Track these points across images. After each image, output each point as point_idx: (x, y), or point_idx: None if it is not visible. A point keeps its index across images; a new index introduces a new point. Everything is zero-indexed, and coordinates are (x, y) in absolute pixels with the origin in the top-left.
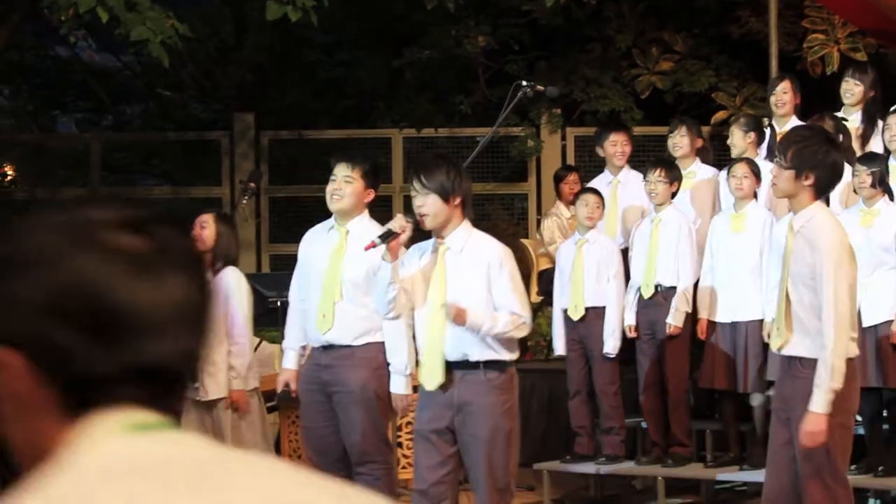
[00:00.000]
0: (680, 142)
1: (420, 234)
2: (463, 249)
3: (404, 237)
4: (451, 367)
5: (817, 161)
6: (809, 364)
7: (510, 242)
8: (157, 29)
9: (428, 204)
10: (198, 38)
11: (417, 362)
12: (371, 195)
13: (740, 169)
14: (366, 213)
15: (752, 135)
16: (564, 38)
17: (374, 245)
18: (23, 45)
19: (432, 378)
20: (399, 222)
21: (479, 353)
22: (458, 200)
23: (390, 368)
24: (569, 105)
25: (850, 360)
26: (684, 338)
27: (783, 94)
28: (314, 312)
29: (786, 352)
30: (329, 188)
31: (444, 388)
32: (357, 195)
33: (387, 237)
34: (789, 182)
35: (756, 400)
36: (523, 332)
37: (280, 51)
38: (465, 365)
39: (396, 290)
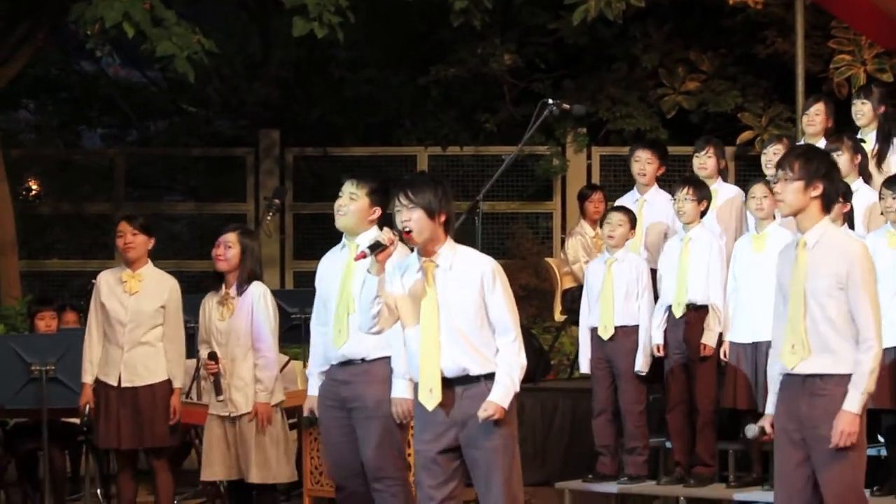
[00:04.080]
0: (706, 162)
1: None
2: (452, 266)
3: (392, 249)
4: (449, 383)
5: (825, 171)
6: (831, 381)
7: (534, 261)
8: (182, 44)
9: (414, 219)
10: (224, 54)
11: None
12: (376, 213)
13: (759, 190)
14: (374, 228)
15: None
16: (590, 57)
17: (363, 255)
18: (48, 59)
19: (431, 397)
20: (387, 234)
21: (479, 368)
22: (443, 218)
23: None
24: (594, 124)
25: None
26: (714, 358)
27: (815, 116)
28: (331, 330)
29: (803, 370)
30: (335, 204)
31: (443, 406)
32: (360, 212)
33: (375, 248)
34: (797, 194)
35: (751, 431)
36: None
37: (306, 68)
38: (465, 380)
39: (381, 304)
